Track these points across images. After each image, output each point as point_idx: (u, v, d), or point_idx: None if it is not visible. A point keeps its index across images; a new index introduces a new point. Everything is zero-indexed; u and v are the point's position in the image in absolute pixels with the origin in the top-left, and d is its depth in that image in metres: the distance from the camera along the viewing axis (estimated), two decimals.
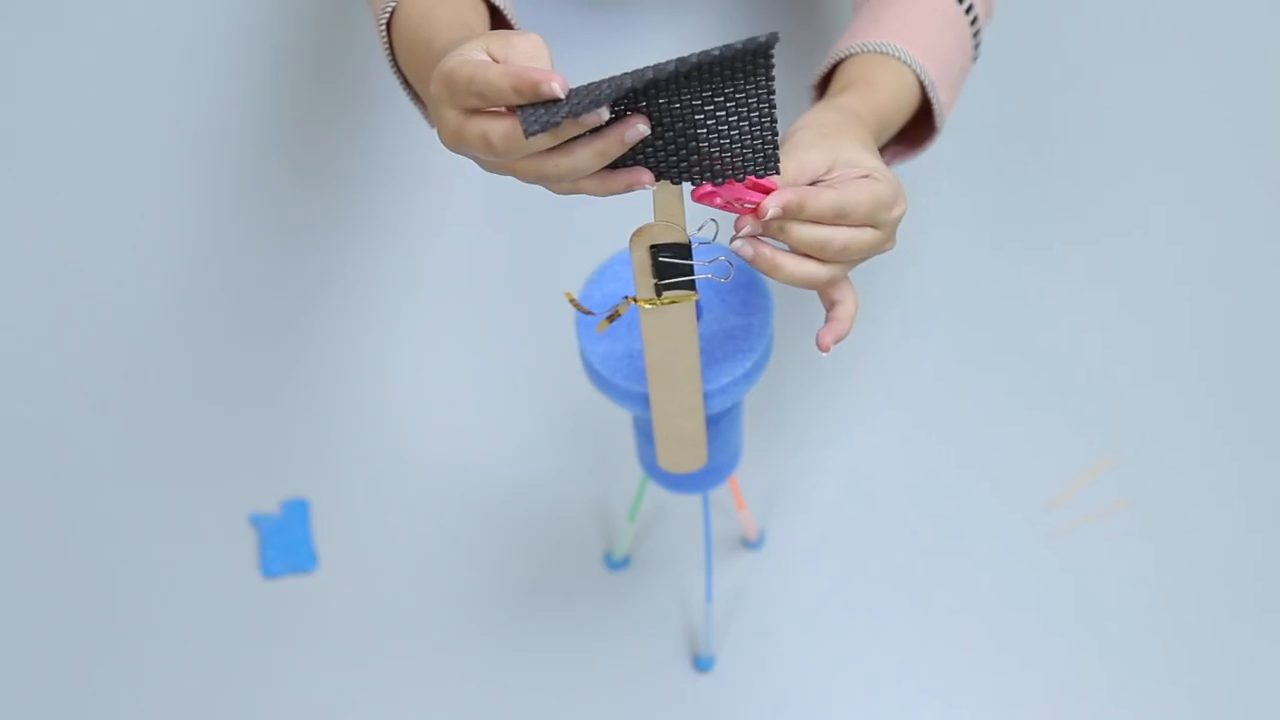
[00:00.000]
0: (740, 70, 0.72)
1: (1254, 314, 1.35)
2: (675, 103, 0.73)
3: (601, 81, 0.72)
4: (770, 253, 0.79)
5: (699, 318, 0.90)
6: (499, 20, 0.99)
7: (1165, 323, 1.34)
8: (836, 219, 0.79)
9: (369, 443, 1.30)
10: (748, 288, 0.91)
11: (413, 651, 1.22)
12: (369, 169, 1.41)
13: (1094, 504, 1.27)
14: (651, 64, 0.72)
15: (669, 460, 0.96)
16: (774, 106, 0.74)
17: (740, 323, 0.90)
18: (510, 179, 0.78)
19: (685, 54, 0.71)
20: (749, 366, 0.89)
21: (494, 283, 1.36)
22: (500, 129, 0.74)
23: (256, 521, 1.27)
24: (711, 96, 0.73)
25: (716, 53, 0.70)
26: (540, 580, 1.25)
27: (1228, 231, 1.38)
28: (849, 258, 0.81)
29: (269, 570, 1.25)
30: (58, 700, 1.21)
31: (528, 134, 0.71)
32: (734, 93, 0.73)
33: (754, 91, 0.73)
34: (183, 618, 1.24)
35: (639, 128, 0.73)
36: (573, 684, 1.21)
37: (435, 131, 0.81)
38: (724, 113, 0.74)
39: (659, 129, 0.74)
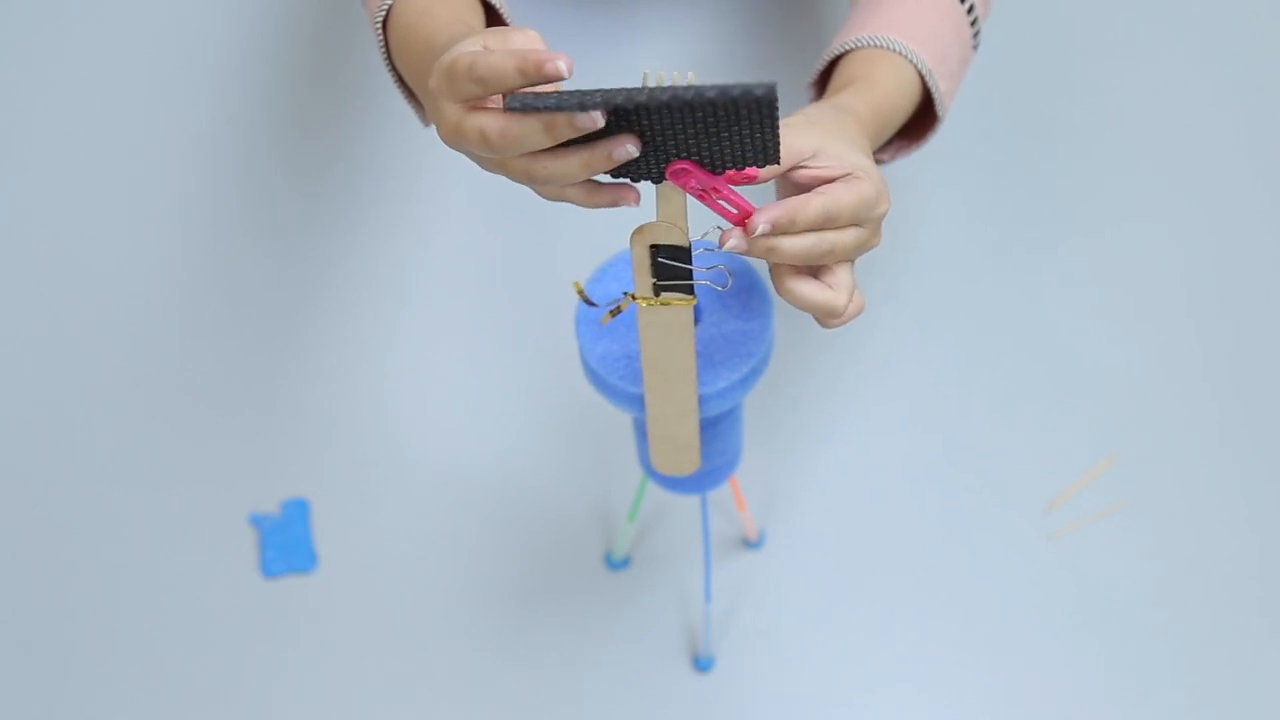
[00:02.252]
0: (738, 115, 0.71)
1: (1254, 314, 1.34)
2: (670, 128, 0.73)
3: (595, 90, 0.72)
4: (766, 243, 0.78)
5: (698, 321, 0.90)
6: (494, 19, 1.00)
7: (1165, 323, 1.34)
8: (825, 224, 0.79)
9: (368, 443, 1.30)
10: (748, 292, 0.91)
11: (413, 651, 1.22)
12: (367, 170, 1.41)
13: (1094, 505, 1.26)
14: (647, 87, 0.71)
15: (662, 462, 0.96)
16: (777, 134, 0.73)
17: (740, 327, 0.90)
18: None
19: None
20: (747, 371, 0.89)
21: (493, 283, 1.36)
22: (497, 124, 0.74)
23: (256, 521, 1.27)
24: (709, 128, 0.73)
25: (712, 94, 0.70)
26: (540, 580, 1.24)
27: (1229, 231, 1.38)
28: (835, 259, 0.80)
29: (269, 570, 1.25)
30: (58, 700, 1.21)
31: (507, 107, 0.72)
32: (735, 130, 0.73)
33: (756, 133, 0.73)
34: (183, 618, 1.24)
35: (628, 148, 0.73)
36: (573, 684, 1.21)
37: (434, 128, 0.81)
38: (726, 134, 0.74)
39: (659, 139, 0.74)
